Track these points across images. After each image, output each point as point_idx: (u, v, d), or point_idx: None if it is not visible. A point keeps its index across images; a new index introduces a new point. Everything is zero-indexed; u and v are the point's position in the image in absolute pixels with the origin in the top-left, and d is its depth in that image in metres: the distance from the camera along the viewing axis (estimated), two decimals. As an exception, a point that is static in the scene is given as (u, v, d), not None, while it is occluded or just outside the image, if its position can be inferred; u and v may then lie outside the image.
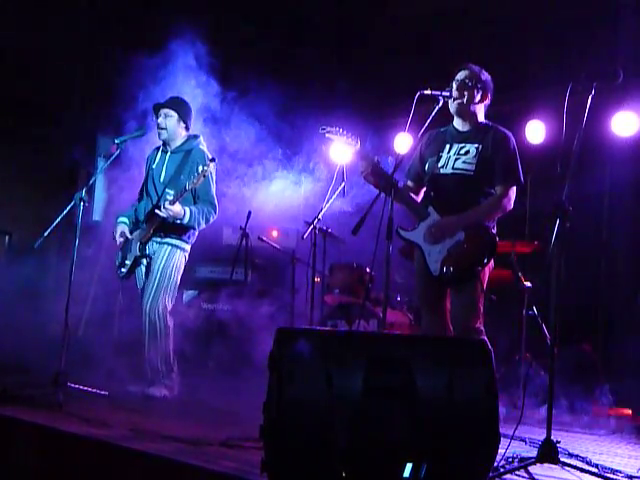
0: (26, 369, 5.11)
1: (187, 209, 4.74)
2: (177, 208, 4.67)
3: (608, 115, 5.99)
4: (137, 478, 3.21)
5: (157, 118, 4.98)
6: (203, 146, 5.03)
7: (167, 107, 4.94)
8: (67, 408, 4.05)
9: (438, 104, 4.07)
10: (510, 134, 4.20)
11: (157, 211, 4.69)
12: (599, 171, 6.37)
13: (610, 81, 3.50)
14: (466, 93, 4.15)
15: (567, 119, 3.44)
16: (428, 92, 4.04)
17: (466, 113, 4.19)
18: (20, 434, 3.70)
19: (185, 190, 4.65)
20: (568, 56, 6.33)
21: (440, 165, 4.20)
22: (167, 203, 4.64)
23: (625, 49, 6.12)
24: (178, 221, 4.74)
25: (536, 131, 6.36)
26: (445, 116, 4.24)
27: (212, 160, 4.73)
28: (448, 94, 4.12)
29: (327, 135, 4.29)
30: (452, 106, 4.19)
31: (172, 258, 4.87)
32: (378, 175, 4.13)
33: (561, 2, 6.50)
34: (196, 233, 5.01)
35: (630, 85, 5.36)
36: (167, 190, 4.80)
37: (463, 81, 4.16)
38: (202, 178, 4.64)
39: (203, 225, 4.90)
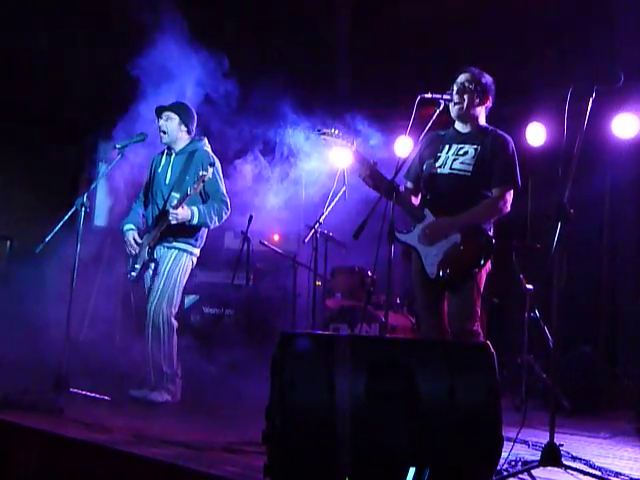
0: (27, 374, 5.10)
1: (194, 209, 4.75)
2: (183, 211, 4.68)
3: (609, 117, 5.99)
4: (139, 483, 3.21)
5: (159, 121, 4.99)
6: (207, 147, 5.04)
7: (169, 110, 4.96)
8: (68, 413, 4.05)
9: (439, 107, 4.07)
10: (509, 138, 4.18)
11: (166, 216, 4.70)
12: (600, 173, 6.36)
13: (611, 83, 3.49)
14: (466, 97, 4.14)
15: (568, 121, 3.43)
16: (429, 95, 4.04)
17: (466, 116, 4.19)
18: (21, 439, 3.69)
19: (187, 195, 4.65)
20: (569, 58, 6.33)
21: (438, 165, 4.18)
22: (172, 209, 4.64)
23: (625, 51, 6.12)
24: (187, 222, 4.74)
25: (536, 133, 6.36)
26: (446, 119, 4.24)
27: (211, 164, 4.74)
28: (449, 97, 4.12)
29: (322, 137, 4.30)
30: (453, 110, 4.18)
31: (179, 262, 4.86)
32: (376, 178, 4.13)
33: (561, 4, 6.50)
34: (205, 236, 5.01)
35: (630, 87, 5.35)
36: (173, 194, 4.81)
37: (462, 84, 4.15)
38: (201, 183, 4.66)
39: (216, 221, 4.88)
